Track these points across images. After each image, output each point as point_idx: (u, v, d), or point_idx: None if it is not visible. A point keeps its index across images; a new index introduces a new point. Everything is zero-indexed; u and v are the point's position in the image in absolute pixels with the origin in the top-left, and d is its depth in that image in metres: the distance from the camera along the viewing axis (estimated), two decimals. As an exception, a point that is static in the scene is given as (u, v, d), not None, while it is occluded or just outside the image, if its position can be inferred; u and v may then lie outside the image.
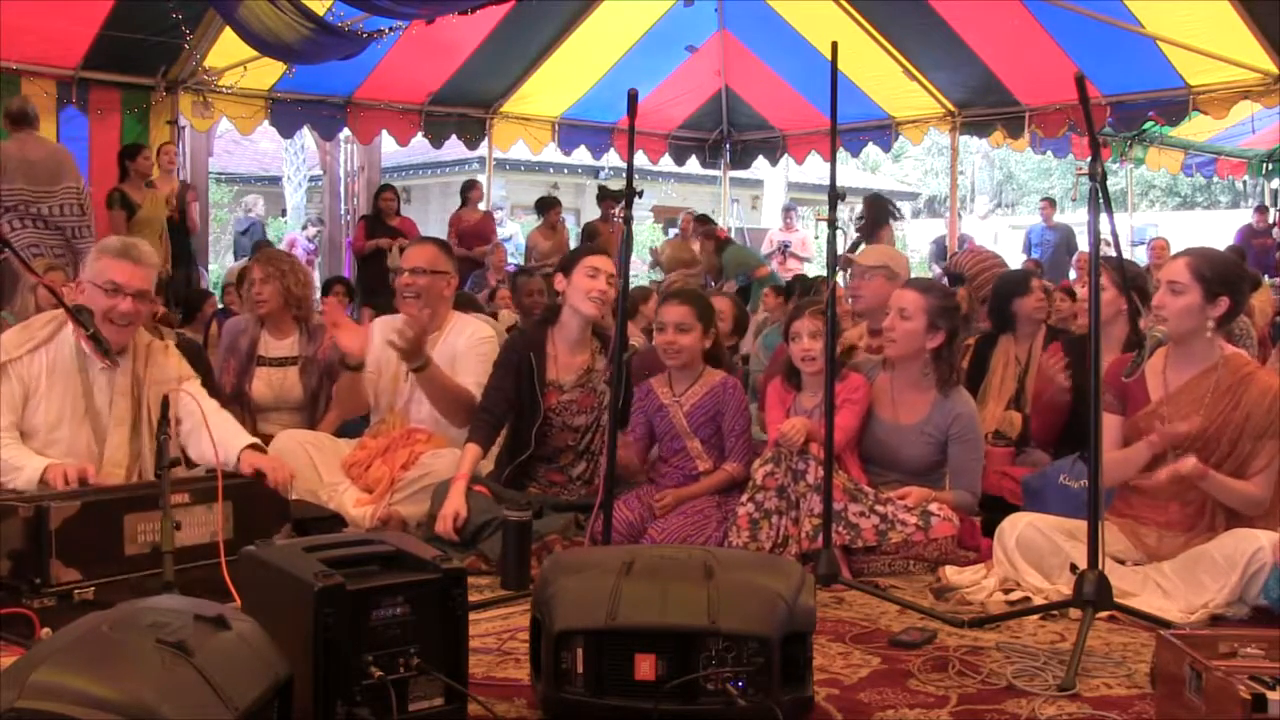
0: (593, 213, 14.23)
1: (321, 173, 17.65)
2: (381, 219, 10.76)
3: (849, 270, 5.20)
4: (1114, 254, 3.96)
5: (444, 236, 11.30)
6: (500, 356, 4.30)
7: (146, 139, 9.38)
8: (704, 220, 12.33)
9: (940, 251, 13.68)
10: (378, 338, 4.45)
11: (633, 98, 3.61)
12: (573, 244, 12.16)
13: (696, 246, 12.12)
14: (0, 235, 3.60)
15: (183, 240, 9.40)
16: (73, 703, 1.68)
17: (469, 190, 11.61)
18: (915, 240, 22.90)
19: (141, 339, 3.84)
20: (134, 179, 8.76)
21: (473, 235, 11.19)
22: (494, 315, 6.96)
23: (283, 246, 15.10)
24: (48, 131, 8.88)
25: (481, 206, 11.68)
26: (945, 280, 7.00)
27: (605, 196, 11.98)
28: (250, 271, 5.06)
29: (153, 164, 9.09)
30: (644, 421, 4.22)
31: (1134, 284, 4.27)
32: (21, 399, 3.66)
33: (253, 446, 3.70)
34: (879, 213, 9.66)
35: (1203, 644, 2.30)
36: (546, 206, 11.73)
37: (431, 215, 21.13)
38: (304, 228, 16.36)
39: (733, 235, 13.93)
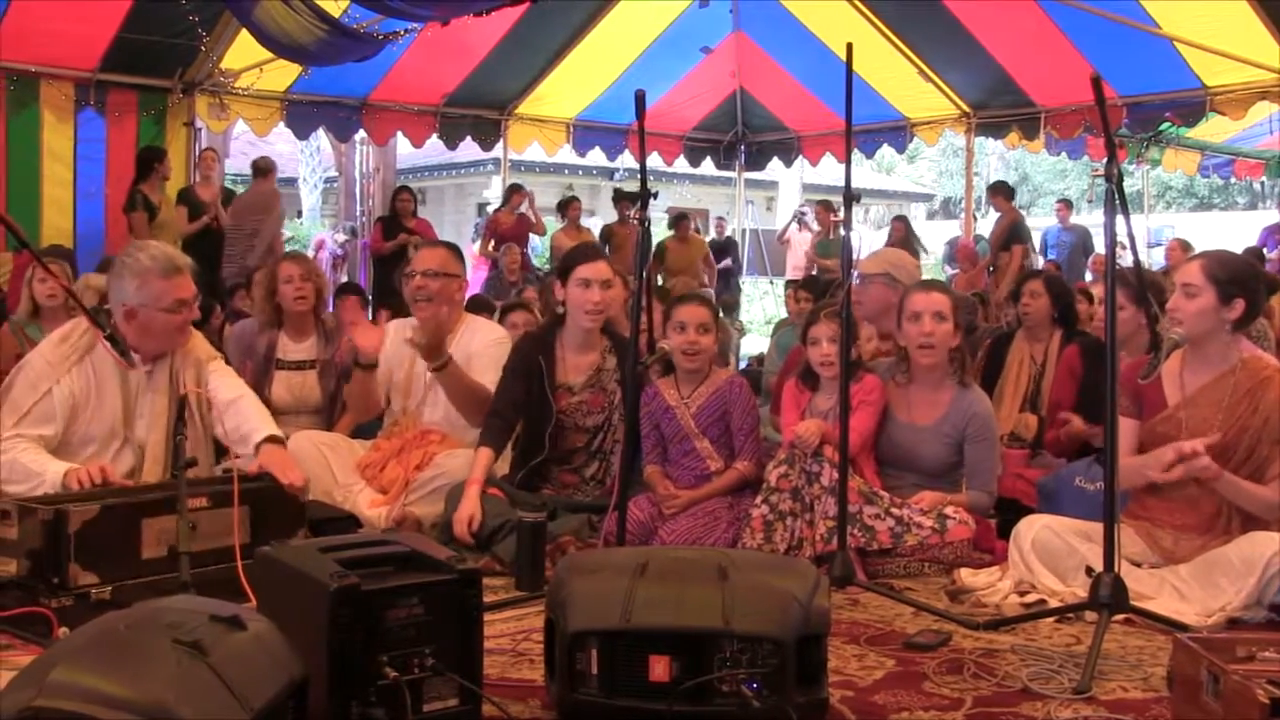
0: (607, 214, 14.26)
1: (337, 174, 17.73)
2: (398, 220, 10.80)
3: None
4: (1130, 259, 3.93)
5: (474, 237, 11.40)
6: (509, 361, 4.30)
7: (163, 141, 9.44)
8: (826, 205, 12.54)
9: (954, 253, 13.63)
10: (392, 339, 4.47)
11: (640, 99, 3.58)
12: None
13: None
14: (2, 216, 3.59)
15: (218, 244, 9.46)
16: (90, 701, 1.69)
17: (513, 193, 11.71)
18: (931, 242, 22.86)
19: None
20: (154, 181, 8.80)
21: (512, 238, 11.26)
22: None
23: (310, 248, 15.19)
24: (65, 134, 8.97)
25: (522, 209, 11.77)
26: None
27: (621, 198, 12.04)
28: (284, 270, 5.05)
29: (171, 169, 9.15)
30: (652, 426, 4.22)
31: (1150, 290, 4.25)
32: (68, 415, 3.65)
33: (273, 439, 3.71)
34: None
35: (1220, 647, 2.29)
36: (566, 206, 11.83)
37: (446, 217, 21.19)
38: (336, 231, 16.44)
39: (746, 237, 13.96)
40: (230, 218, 9.57)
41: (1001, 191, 11.66)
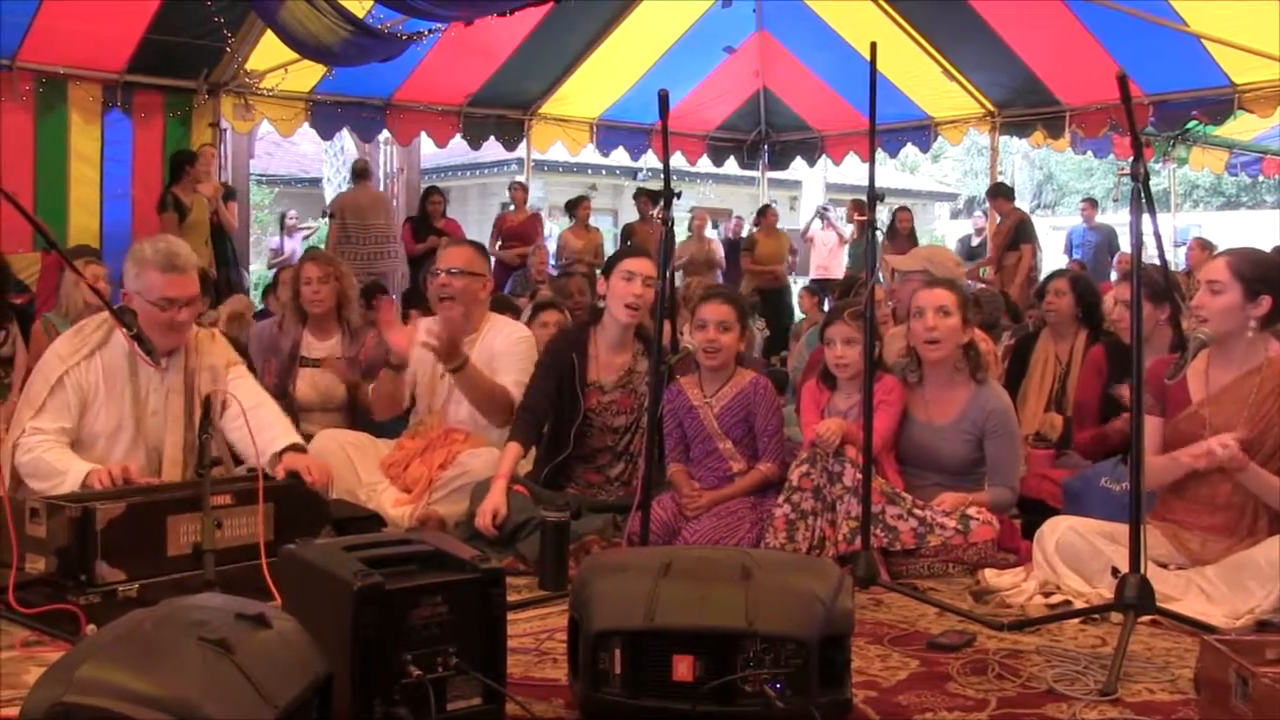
0: (631, 214, 14.25)
1: (362, 174, 17.75)
2: (429, 221, 10.82)
3: (892, 275, 5.19)
4: (1154, 258, 3.90)
5: (486, 237, 11.45)
6: (543, 356, 4.32)
7: (189, 142, 9.48)
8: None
9: (966, 251, 13.58)
10: (419, 338, 4.48)
11: (663, 98, 3.58)
12: (607, 244, 12.26)
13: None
14: (7, 194, 3.56)
15: (222, 241, 9.50)
16: (117, 698, 1.70)
17: (514, 192, 11.76)
18: (952, 241, 22.80)
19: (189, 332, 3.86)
20: (186, 183, 8.87)
21: (518, 236, 11.27)
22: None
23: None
24: (92, 136, 9.03)
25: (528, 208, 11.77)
26: None
27: (642, 195, 12.06)
28: (305, 271, 5.09)
29: (203, 170, 9.21)
30: (675, 423, 4.21)
31: (1169, 288, 4.22)
32: (79, 407, 3.64)
33: (293, 447, 3.70)
34: None
35: (1248, 649, 2.27)
36: (576, 205, 11.85)
37: (470, 217, 21.22)
38: None
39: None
40: (344, 216, 10.30)
41: (1001, 193, 11.60)
